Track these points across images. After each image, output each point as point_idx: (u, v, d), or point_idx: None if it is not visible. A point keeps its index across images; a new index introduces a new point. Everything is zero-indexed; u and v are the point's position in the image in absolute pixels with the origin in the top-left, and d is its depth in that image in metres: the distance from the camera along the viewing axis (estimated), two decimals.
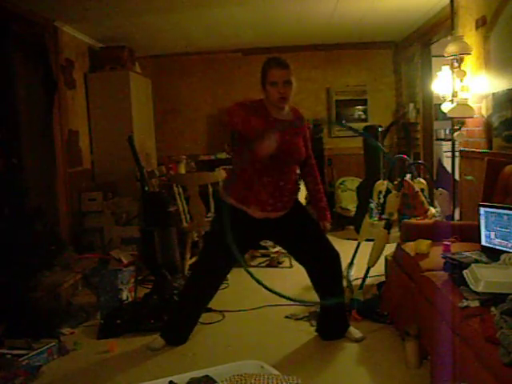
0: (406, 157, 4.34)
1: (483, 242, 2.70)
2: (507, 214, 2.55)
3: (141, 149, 4.94)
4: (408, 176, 3.71)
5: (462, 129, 4.05)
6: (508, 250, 2.48)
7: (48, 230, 4.00)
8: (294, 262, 4.56)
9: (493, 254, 2.47)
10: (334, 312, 2.98)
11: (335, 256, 2.92)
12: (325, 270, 2.91)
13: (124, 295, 3.54)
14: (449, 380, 2.09)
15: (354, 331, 2.96)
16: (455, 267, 2.34)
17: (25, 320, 3.09)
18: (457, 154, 4.36)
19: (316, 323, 3.10)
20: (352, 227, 5.62)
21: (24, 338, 2.92)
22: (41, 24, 4.47)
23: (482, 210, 2.71)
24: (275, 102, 2.69)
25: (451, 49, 3.84)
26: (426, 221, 3.41)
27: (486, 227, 2.69)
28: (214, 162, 6.24)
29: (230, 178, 2.89)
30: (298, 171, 2.90)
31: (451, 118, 4.06)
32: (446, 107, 4.04)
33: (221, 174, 4.39)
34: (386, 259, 3.35)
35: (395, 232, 3.78)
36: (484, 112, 3.76)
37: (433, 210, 3.62)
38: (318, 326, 3.06)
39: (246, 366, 1.93)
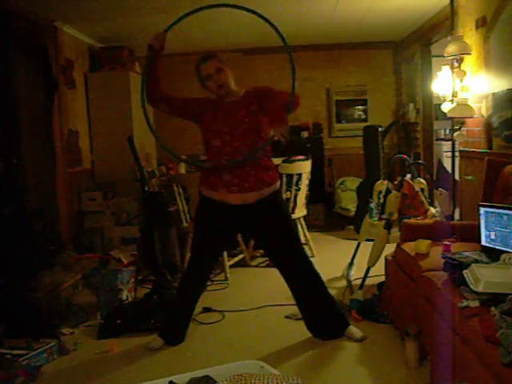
0: (406, 157, 4.34)
1: (483, 242, 2.70)
2: (507, 214, 2.55)
3: (141, 149, 4.94)
4: (408, 176, 3.71)
5: (462, 129, 4.05)
6: (508, 249, 2.48)
7: (48, 230, 4.00)
8: None
9: (493, 254, 2.47)
10: (323, 311, 2.98)
11: (304, 258, 2.94)
12: (296, 275, 2.95)
13: (124, 295, 3.54)
14: (449, 380, 2.09)
15: (355, 331, 2.95)
16: (455, 267, 2.33)
17: (25, 320, 3.09)
18: (457, 154, 4.36)
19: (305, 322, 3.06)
20: (352, 227, 5.62)
21: (24, 338, 2.92)
22: (41, 24, 4.47)
23: (482, 210, 2.71)
24: (216, 92, 2.79)
25: (451, 49, 3.84)
26: (426, 221, 3.41)
27: (486, 227, 2.68)
28: None
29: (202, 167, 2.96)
30: (267, 147, 2.81)
31: (451, 118, 4.06)
32: (446, 107, 4.05)
33: None
34: (386, 259, 3.35)
35: (395, 232, 3.78)
36: (484, 112, 3.76)
37: (433, 210, 3.62)
38: (306, 325, 3.03)
39: (245, 366, 1.93)
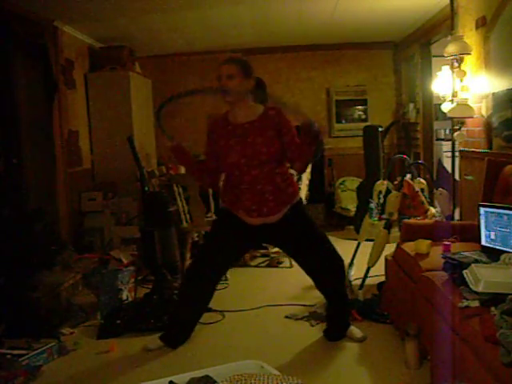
0: (406, 157, 4.35)
1: (483, 242, 2.70)
2: (507, 214, 2.55)
3: (141, 149, 4.94)
4: (408, 176, 3.71)
5: (462, 129, 4.05)
6: (508, 249, 2.48)
7: (48, 230, 4.00)
8: (294, 262, 4.56)
9: (493, 254, 2.47)
10: (340, 314, 2.99)
11: (338, 263, 2.89)
12: (329, 276, 2.90)
13: (124, 295, 3.54)
14: (449, 380, 2.09)
15: (356, 331, 2.95)
16: (455, 267, 2.33)
17: (25, 320, 3.09)
18: (457, 154, 4.36)
19: (326, 326, 3.05)
20: (352, 227, 5.62)
21: (24, 338, 2.92)
22: (41, 24, 4.47)
23: (482, 210, 2.71)
24: (223, 98, 2.70)
25: (451, 49, 3.84)
26: (426, 221, 3.41)
27: (486, 227, 2.69)
28: None
29: (223, 184, 2.90)
30: (284, 170, 2.75)
31: (451, 118, 4.06)
32: (446, 107, 4.04)
33: None
34: (386, 259, 3.35)
35: (395, 232, 3.78)
36: (484, 112, 3.76)
37: (433, 210, 3.62)
38: (326, 330, 3.02)
39: (245, 366, 1.93)
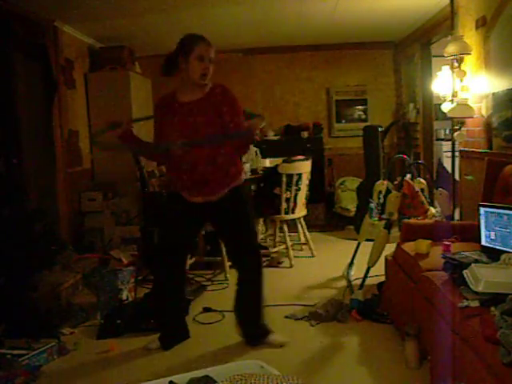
0: (405, 157, 4.35)
1: (483, 242, 2.70)
2: (507, 214, 2.55)
3: None
4: (408, 176, 3.71)
5: (462, 129, 4.05)
6: (508, 249, 2.48)
7: (48, 230, 4.00)
8: (295, 262, 4.57)
9: (493, 254, 2.47)
10: (250, 315, 2.96)
11: (255, 258, 2.90)
12: (244, 267, 2.92)
13: (124, 295, 3.54)
14: (449, 380, 2.09)
15: (275, 337, 2.91)
16: (455, 267, 2.33)
17: (25, 320, 3.09)
18: (457, 154, 4.36)
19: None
20: (352, 227, 5.63)
21: (24, 338, 2.92)
22: (41, 24, 4.47)
23: (482, 210, 2.71)
24: (197, 79, 2.65)
25: (451, 49, 3.85)
26: (426, 221, 3.41)
27: (486, 227, 2.69)
28: None
29: (168, 163, 2.91)
30: (228, 150, 2.70)
31: (451, 118, 4.06)
32: (446, 107, 4.05)
33: None
34: (386, 259, 3.35)
35: (395, 232, 3.78)
36: (484, 112, 3.76)
37: (433, 210, 3.62)
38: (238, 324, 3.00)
39: (245, 366, 1.93)
